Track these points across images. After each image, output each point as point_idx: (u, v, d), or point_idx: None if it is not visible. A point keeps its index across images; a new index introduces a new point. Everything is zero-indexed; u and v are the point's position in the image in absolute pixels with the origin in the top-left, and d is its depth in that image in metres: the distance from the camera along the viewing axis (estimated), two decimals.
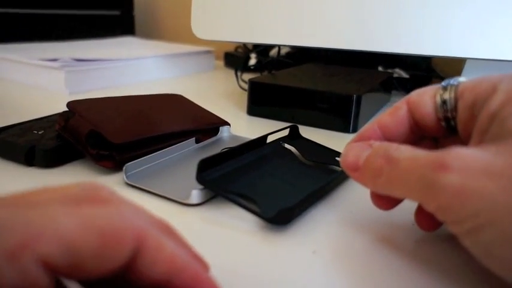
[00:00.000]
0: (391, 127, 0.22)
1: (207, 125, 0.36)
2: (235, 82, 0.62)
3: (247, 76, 0.57)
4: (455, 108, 0.20)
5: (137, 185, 0.27)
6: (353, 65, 0.64)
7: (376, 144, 0.21)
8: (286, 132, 0.35)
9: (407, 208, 0.22)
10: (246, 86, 0.50)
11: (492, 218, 0.15)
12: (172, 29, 1.06)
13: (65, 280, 0.14)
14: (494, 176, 0.15)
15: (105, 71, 0.59)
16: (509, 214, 0.15)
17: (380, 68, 0.69)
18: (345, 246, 0.22)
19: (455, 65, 0.62)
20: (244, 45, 0.84)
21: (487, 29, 0.38)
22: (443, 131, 0.22)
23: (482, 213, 0.15)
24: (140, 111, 0.34)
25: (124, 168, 0.27)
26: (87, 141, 0.28)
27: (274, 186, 0.26)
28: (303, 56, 0.73)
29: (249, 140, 0.31)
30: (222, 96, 0.56)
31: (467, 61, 0.53)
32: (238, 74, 0.62)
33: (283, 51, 0.75)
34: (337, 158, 0.31)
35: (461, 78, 0.21)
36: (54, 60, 0.55)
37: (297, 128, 0.35)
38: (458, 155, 0.16)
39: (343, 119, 0.42)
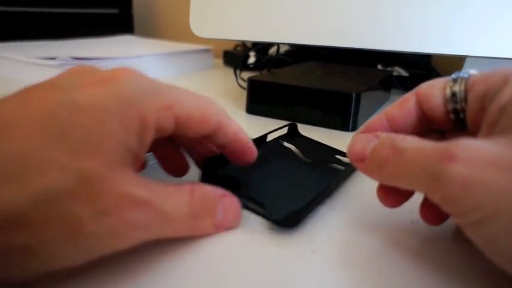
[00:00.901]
0: (398, 118, 0.22)
1: None
2: (234, 80, 0.62)
3: (246, 74, 0.57)
4: (465, 100, 0.20)
5: None
6: (352, 63, 0.64)
7: (383, 135, 0.21)
8: (285, 130, 0.35)
9: (407, 209, 0.22)
10: (245, 85, 0.49)
11: (498, 210, 0.15)
12: (171, 28, 1.06)
13: None
14: (502, 167, 0.15)
15: None
16: None
17: (379, 66, 0.68)
18: (345, 245, 0.22)
19: (455, 63, 0.62)
20: (243, 43, 0.84)
21: (487, 26, 0.38)
22: (451, 124, 0.22)
23: (488, 205, 0.15)
24: None
25: None
26: None
27: (278, 186, 0.26)
28: (302, 54, 0.73)
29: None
30: (221, 95, 0.56)
31: (467, 59, 0.53)
32: (237, 72, 0.62)
33: (282, 49, 0.75)
34: (337, 156, 0.31)
35: (472, 71, 0.21)
36: (53, 58, 0.55)
37: (296, 126, 0.35)
38: (466, 145, 0.16)
39: (343, 117, 0.42)
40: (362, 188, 0.28)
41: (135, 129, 0.18)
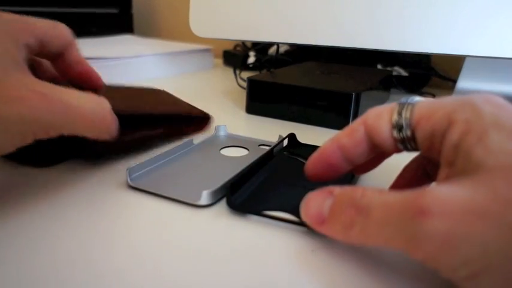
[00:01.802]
0: (349, 148, 0.21)
1: (187, 113, 0.36)
2: (234, 80, 0.62)
3: (245, 74, 0.57)
4: (412, 137, 0.20)
5: (143, 188, 0.26)
6: (352, 63, 0.64)
7: (337, 191, 0.20)
8: (285, 142, 0.35)
9: None
10: (244, 84, 0.49)
11: (489, 264, 0.14)
12: (171, 27, 1.06)
13: None
14: (479, 215, 0.14)
15: (104, 70, 0.58)
16: (505, 258, 0.14)
17: (379, 66, 0.68)
18: (345, 245, 0.22)
19: (454, 63, 0.62)
20: (243, 43, 0.84)
21: (486, 26, 0.38)
22: (402, 151, 0.21)
23: (476, 260, 0.14)
24: (122, 97, 0.34)
25: (127, 171, 0.27)
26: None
27: (300, 195, 0.26)
28: (301, 54, 0.73)
29: (257, 156, 0.30)
30: (220, 95, 0.56)
31: (467, 59, 0.53)
32: (237, 72, 0.62)
33: (282, 49, 0.75)
34: None
35: (416, 98, 0.20)
36: None
37: (295, 136, 0.35)
38: (435, 197, 0.15)
39: (342, 117, 0.42)
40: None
41: (13, 45, 0.24)
